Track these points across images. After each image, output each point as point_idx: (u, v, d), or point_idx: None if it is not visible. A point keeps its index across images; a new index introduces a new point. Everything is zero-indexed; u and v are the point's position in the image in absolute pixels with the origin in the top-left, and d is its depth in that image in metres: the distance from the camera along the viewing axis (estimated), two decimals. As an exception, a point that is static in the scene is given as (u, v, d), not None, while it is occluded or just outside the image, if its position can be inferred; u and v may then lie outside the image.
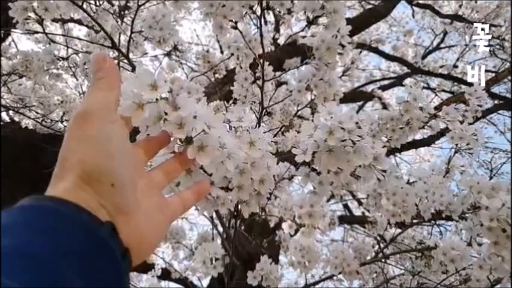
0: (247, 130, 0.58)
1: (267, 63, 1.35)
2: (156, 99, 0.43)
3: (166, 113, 0.43)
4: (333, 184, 0.72)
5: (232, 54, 1.52)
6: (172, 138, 0.46)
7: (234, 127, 0.61)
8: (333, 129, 0.62)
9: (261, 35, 1.25)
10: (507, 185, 0.88)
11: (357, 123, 0.63)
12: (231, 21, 1.17)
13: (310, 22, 1.21)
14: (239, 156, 0.51)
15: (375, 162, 0.65)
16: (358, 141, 0.62)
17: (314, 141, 0.64)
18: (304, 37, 1.36)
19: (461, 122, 1.27)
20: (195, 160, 0.47)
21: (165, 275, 2.92)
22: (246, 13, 1.17)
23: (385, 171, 0.68)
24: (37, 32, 1.34)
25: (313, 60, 1.29)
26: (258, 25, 1.23)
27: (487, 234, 0.78)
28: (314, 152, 0.66)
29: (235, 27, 1.22)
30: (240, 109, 0.62)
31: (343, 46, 1.23)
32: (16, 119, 2.22)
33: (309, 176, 0.74)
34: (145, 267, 2.88)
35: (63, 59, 1.77)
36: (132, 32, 1.49)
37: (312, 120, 0.67)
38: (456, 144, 1.23)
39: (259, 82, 1.36)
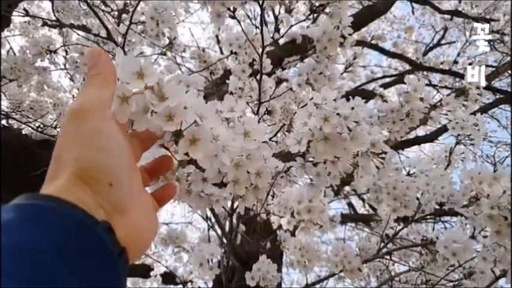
0: (239, 119, 0.55)
1: (265, 56, 1.33)
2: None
3: (153, 104, 0.39)
4: (330, 174, 0.69)
5: (232, 52, 1.49)
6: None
7: (226, 118, 0.58)
8: (327, 115, 0.59)
9: (262, 24, 1.22)
10: (508, 174, 0.85)
11: (353, 108, 0.60)
12: (229, 9, 1.15)
13: (314, 11, 1.19)
14: (234, 148, 0.48)
15: (372, 148, 0.62)
16: (355, 127, 0.59)
17: (309, 129, 0.61)
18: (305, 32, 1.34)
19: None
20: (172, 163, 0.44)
21: (170, 279, 2.91)
22: (245, 2, 1.15)
23: (383, 158, 0.65)
24: (35, 17, 1.32)
25: (314, 53, 1.27)
26: (259, 20, 1.21)
27: (489, 222, 0.75)
28: (309, 142, 0.63)
29: (233, 17, 1.19)
30: (232, 99, 0.57)
31: (344, 38, 1.21)
32: (15, 125, 2.20)
33: (305, 167, 0.71)
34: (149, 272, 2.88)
35: (51, 52, 1.66)
36: (131, 23, 1.47)
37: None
38: (458, 136, 1.21)
39: (257, 76, 1.33)
